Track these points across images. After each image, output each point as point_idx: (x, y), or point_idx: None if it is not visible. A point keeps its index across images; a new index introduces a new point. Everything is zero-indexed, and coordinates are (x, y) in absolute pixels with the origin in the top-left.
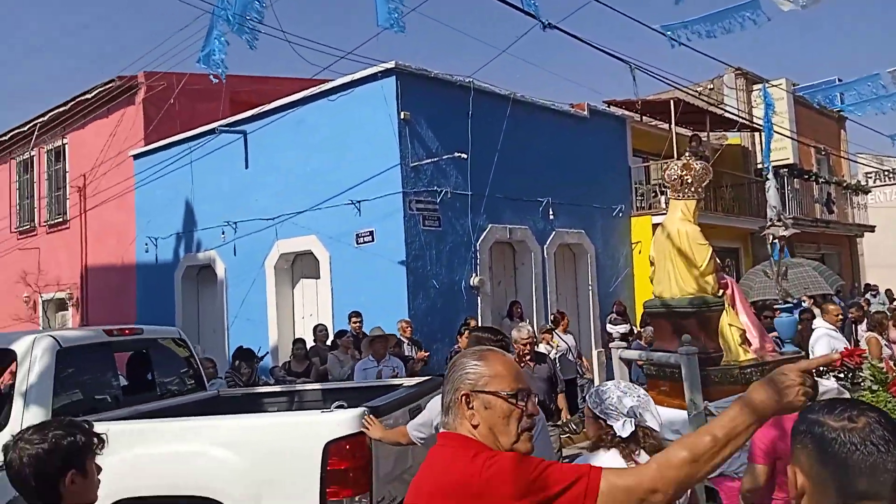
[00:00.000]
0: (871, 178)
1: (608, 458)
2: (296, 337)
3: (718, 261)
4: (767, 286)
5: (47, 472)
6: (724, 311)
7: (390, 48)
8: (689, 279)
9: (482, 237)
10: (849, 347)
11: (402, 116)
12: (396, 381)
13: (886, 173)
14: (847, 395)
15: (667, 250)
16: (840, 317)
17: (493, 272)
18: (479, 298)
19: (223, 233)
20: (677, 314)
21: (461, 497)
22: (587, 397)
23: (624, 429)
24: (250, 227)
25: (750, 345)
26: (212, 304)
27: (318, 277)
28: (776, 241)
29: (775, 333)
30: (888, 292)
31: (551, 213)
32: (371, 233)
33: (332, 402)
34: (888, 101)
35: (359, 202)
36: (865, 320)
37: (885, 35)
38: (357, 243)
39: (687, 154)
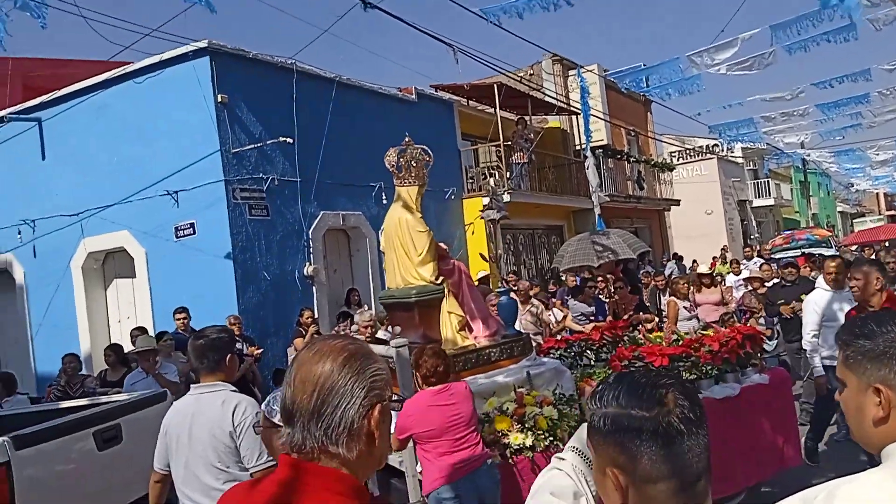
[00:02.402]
0: (675, 156)
1: None
2: (111, 342)
3: (444, 246)
4: (577, 254)
5: None
6: (445, 299)
7: (203, 28)
8: (411, 268)
9: (314, 225)
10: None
11: (219, 99)
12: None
13: (688, 152)
14: (567, 372)
15: (391, 240)
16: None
17: (328, 260)
18: (314, 288)
19: (19, 232)
20: (402, 305)
21: None
22: (263, 406)
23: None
24: (51, 225)
25: (471, 331)
26: (11, 313)
27: (134, 276)
28: (489, 223)
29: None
30: (679, 260)
31: (384, 197)
32: (192, 225)
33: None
34: (689, 84)
35: (176, 193)
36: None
37: (686, 20)
38: (176, 237)
39: (513, 135)
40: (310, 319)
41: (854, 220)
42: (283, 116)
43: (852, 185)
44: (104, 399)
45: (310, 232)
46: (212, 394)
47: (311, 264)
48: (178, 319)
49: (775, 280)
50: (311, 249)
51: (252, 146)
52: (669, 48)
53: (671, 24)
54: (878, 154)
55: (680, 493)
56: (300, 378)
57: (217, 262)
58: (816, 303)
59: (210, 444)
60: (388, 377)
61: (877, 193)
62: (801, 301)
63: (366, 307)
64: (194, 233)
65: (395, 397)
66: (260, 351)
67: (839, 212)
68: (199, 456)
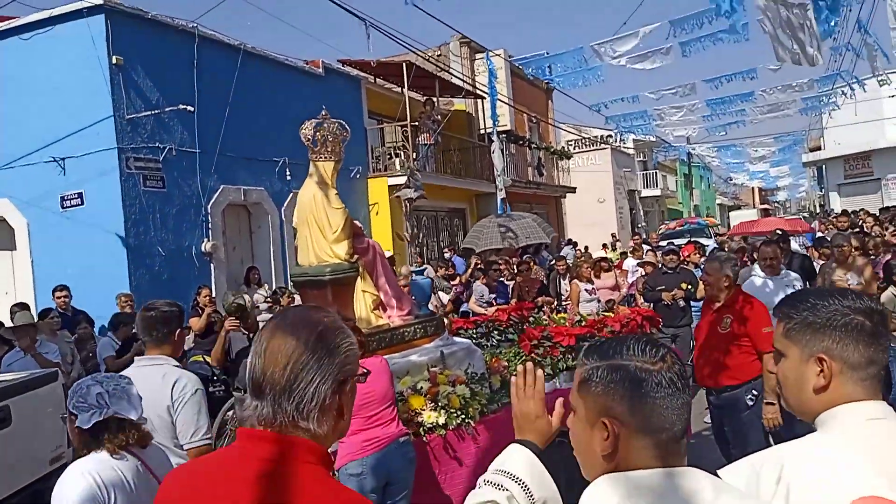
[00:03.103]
0: (571, 145)
1: (94, 462)
2: None
3: (359, 223)
4: (493, 236)
5: None
6: (359, 278)
7: None
8: (325, 245)
9: (214, 199)
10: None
11: (114, 61)
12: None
13: (584, 141)
14: (479, 351)
15: (304, 216)
16: None
17: (228, 237)
18: (212, 265)
19: None
20: (315, 283)
21: None
22: (69, 399)
23: (88, 421)
24: None
25: (385, 310)
26: None
27: (14, 248)
28: (406, 201)
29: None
30: (574, 246)
31: (288, 173)
32: (80, 195)
33: None
34: (591, 74)
35: (63, 160)
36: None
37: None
38: (62, 207)
39: (420, 116)
40: (207, 298)
41: (730, 212)
42: (182, 83)
43: (731, 179)
44: None
45: (209, 206)
46: (153, 367)
47: (209, 240)
48: (59, 298)
49: (639, 270)
50: (209, 225)
51: (148, 113)
52: (574, 38)
53: (577, 13)
54: (756, 150)
55: (665, 447)
56: (271, 350)
57: (107, 235)
58: (751, 290)
59: (148, 418)
60: (358, 351)
61: (752, 188)
62: (682, 289)
63: (265, 286)
64: (82, 203)
65: (360, 371)
66: None
67: (718, 204)
68: None
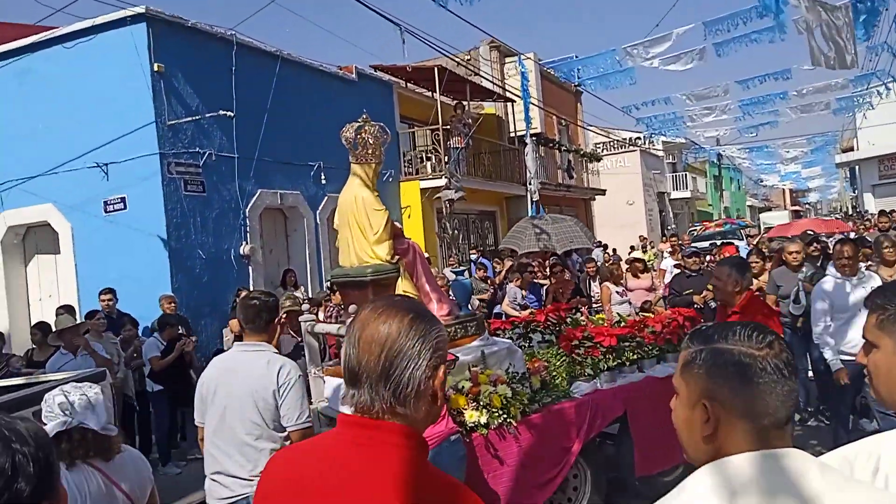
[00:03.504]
0: (600, 147)
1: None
2: (39, 320)
3: (399, 225)
4: (530, 239)
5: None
6: (400, 278)
7: None
8: (366, 246)
9: (251, 203)
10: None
11: (155, 68)
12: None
13: (612, 143)
14: (519, 352)
15: (346, 217)
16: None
17: (265, 240)
18: (250, 268)
19: None
20: (356, 284)
21: None
22: (44, 404)
23: (52, 430)
24: None
25: None
26: None
27: (58, 252)
28: (447, 202)
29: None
30: (604, 249)
31: (323, 177)
32: (123, 199)
33: None
34: (623, 76)
35: (106, 165)
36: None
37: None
38: (106, 212)
39: (451, 119)
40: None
41: (761, 214)
42: (221, 89)
43: (762, 181)
44: (43, 378)
45: (246, 210)
46: (256, 352)
47: (247, 243)
48: (104, 301)
49: (676, 271)
50: (247, 228)
51: (189, 119)
52: (602, 41)
53: (607, 17)
54: (788, 151)
55: (766, 433)
56: (365, 339)
57: (149, 239)
58: (826, 291)
59: (251, 401)
60: (447, 338)
61: (783, 189)
62: (710, 290)
63: (301, 288)
64: (125, 208)
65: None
66: (195, 339)
67: (748, 206)
68: (237, 410)
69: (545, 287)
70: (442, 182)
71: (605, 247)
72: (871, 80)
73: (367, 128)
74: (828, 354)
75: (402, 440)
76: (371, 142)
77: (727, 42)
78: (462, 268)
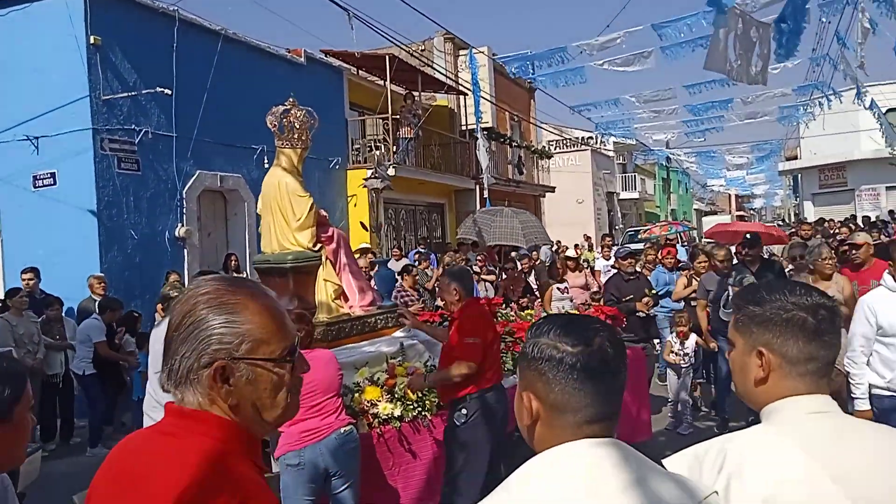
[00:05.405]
0: (552, 145)
1: None
2: None
3: (324, 213)
4: (508, 233)
5: None
6: (322, 266)
7: None
8: (288, 233)
9: (189, 184)
10: None
11: (91, 41)
12: None
13: (564, 142)
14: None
15: (269, 203)
16: None
17: (202, 223)
18: (185, 251)
19: None
20: (277, 270)
21: None
22: None
23: None
24: None
25: (347, 300)
26: None
27: None
28: (372, 191)
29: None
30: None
31: (266, 161)
32: (52, 175)
33: None
34: (573, 74)
35: (37, 139)
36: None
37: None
38: (35, 187)
39: (401, 109)
40: (176, 283)
41: (703, 218)
42: (161, 66)
43: (707, 185)
44: None
45: (184, 191)
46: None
47: (183, 225)
48: (25, 280)
49: (613, 271)
50: (184, 210)
51: (125, 94)
52: (561, 39)
53: (564, 15)
54: (733, 157)
55: (584, 427)
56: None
57: (80, 216)
58: (872, 307)
59: (155, 377)
60: (256, 334)
61: (729, 194)
62: (650, 295)
63: (244, 273)
64: (55, 183)
65: (276, 355)
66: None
67: (695, 209)
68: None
69: (494, 283)
70: (391, 172)
71: (558, 244)
72: (813, 91)
73: (293, 111)
74: (858, 391)
75: (213, 430)
76: (297, 126)
77: (673, 47)
78: (385, 258)
